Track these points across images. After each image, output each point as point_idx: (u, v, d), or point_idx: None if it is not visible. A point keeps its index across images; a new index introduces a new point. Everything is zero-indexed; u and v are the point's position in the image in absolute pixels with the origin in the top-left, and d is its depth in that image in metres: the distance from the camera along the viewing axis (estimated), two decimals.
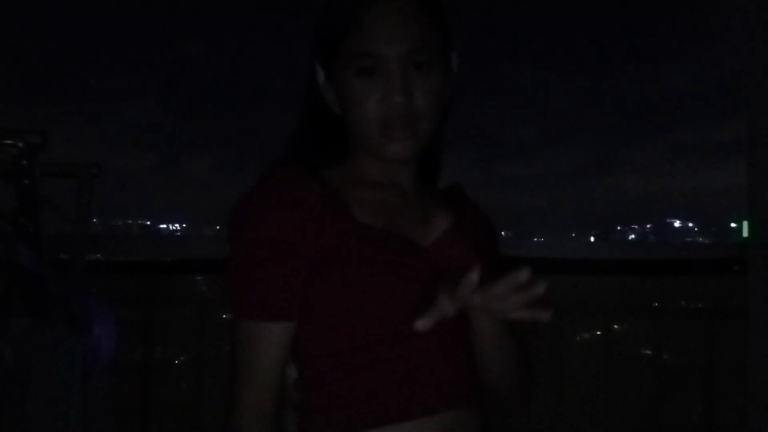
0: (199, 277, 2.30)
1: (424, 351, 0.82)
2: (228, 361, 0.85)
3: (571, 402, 2.13)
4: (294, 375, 0.88)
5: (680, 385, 2.16)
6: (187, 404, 2.18)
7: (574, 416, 2.14)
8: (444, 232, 0.88)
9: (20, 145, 1.20)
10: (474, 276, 0.69)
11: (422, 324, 0.72)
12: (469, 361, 0.87)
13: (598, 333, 2.21)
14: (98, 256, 2.65)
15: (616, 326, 2.22)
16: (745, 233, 1.66)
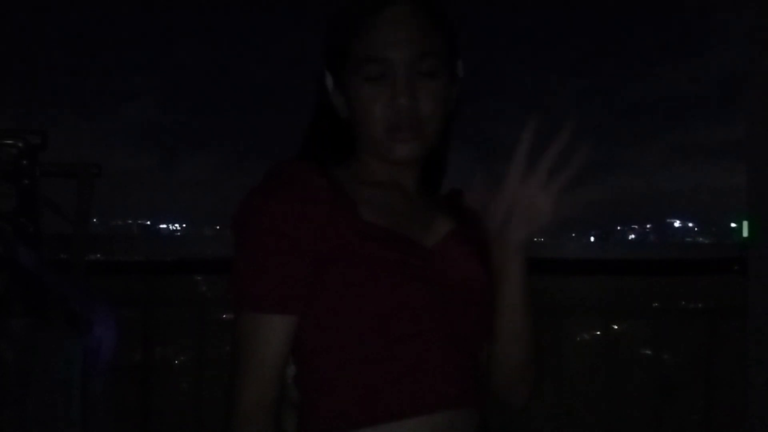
0: (199, 277, 2.30)
1: (424, 350, 0.83)
2: (228, 360, 0.85)
3: (571, 402, 2.13)
4: (292, 373, 0.88)
5: (680, 385, 2.16)
6: (187, 404, 2.18)
7: (574, 416, 2.14)
8: (446, 235, 0.90)
9: (20, 145, 1.20)
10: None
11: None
12: (469, 360, 0.88)
13: (598, 333, 2.22)
14: (98, 256, 2.65)
15: (616, 326, 2.23)
16: (745, 233, 1.66)
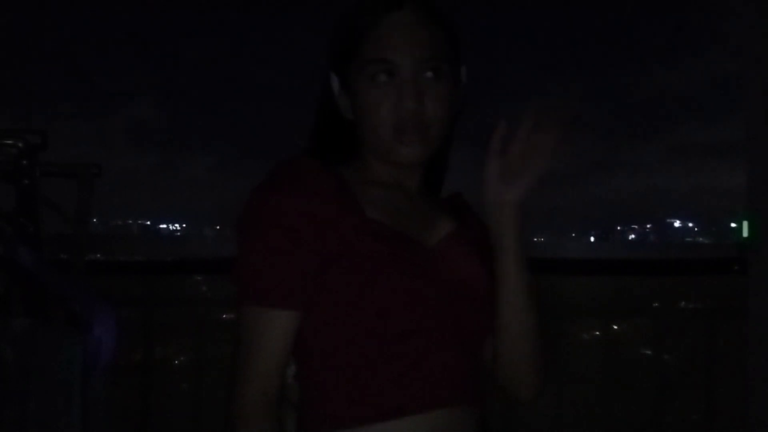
0: (199, 277, 2.30)
1: (424, 348, 0.83)
2: (228, 360, 0.85)
3: (571, 402, 2.13)
4: (292, 373, 0.88)
5: (680, 385, 2.16)
6: (187, 404, 2.18)
7: (574, 416, 2.14)
8: (447, 236, 0.91)
9: (20, 145, 1.20)
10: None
11: None
12: (470, 359, 0.88)
13: (598, 333, 2.22)
14: (98, 256, 2.65)
15: (616, 326, 2.23)
16: (745, 233, 1.66)
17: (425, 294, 0.83)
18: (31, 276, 1.06)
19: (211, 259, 2.31)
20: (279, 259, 0.80)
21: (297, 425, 0.89)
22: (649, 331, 2.24)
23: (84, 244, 1.54)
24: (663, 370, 2.19)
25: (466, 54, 0.95)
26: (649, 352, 2.23)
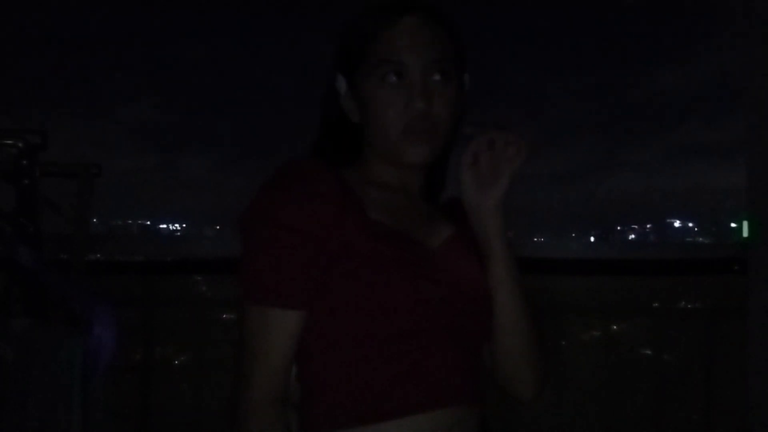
0: (199, 277, 2.30)
1: (425, 348, 0.83)
2: (228, 360, 0.85)
3: (571, 402, 2.13)
4: (293, 372, 0.88)
5: (680, 385, 2.16)
6: (187, 404, 2.18)
7: (574, 416, 2.14)
8: (447, 239, 0.92)
9: (20, 145, 1.20)
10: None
11: None
12: (470, 358, 0.89)
13: (598, 333, 2.22)
14: (98, 256, 2.65)
15: (616, 326, 2.23)
16: (745, 233, 1.66)
17: (427, 295, 0.84)
18: (31, 276, 1.06)
19: (211, 259, 2.31)
20: (283, 259, 0.81)
21: (298, 425, 0.89)
22: (649, 331, 2.24)
23: (84, 244, 1.54)
24: (663, 369, 2.19)
25: (467, 53, 0.96)
26: (648, 352, 2.23)
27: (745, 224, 1.66)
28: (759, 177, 1.61)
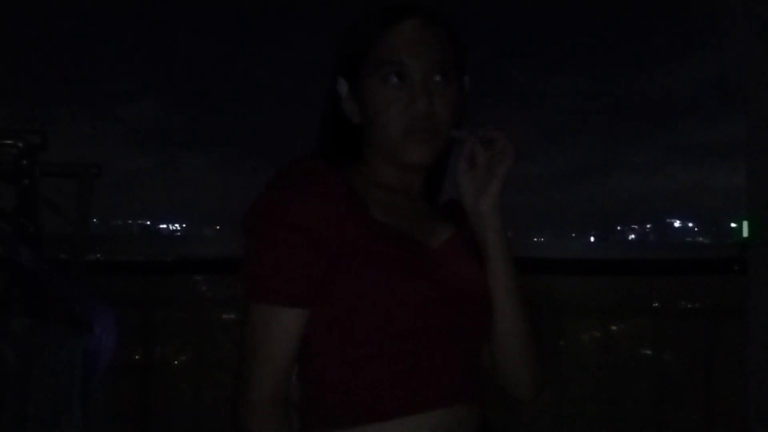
0: (199, 277, 2.30)
1: (426, 347, 0.84)
2: (228, 359, 0.85)
3: (571, 402, 2.13)
4: (294, 371, 0.88)
5: (680, 385, 2.16)
6: (187, 404, 2.18)
7: (574, 416, 2.14)
8: (447, 239, 0.93)
9: (20, 145, 1.20)
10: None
11: None
12: (471, 358, 0.89)
13: (598, 333, 2.22)
14: (98, 256, 2.65)
15: (615, 326, 2.23)
16: (745, 233, 1.66)
17: (428, 295, 0.84)
18: (31, 276, 1.06)
19: (211, 259, 2.31)
20: (287, 258, 0.81)
21: (298, 424, 0.89)
22: (649, 331, 2.24)
23: (84, 244, 1.54)
24: (663, 369, 2.19)
25: (467, 54, 0.96)
26: (648, 351, 2.23)
27: (745, 224, 1.66)
28: (759, 177, 1.60)
